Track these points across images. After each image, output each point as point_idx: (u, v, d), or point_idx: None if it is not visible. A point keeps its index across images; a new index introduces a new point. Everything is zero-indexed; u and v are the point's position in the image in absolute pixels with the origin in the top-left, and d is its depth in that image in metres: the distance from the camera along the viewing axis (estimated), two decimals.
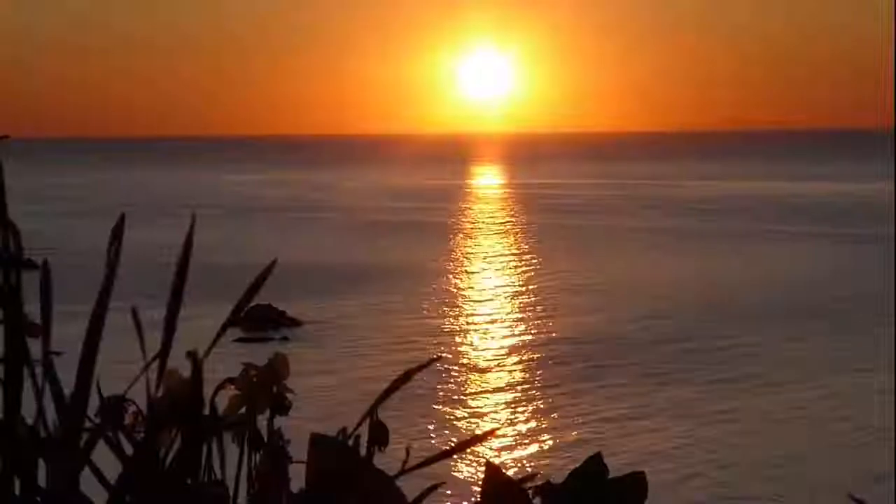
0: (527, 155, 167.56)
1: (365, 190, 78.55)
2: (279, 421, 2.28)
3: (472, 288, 31.43)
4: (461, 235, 46.53)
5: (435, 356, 2.15)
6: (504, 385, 19.95)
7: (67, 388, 2.01)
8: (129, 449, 2.08)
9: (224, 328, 2.07)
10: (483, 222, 53.61)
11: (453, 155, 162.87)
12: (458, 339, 23.70)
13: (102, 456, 2.03)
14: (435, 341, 23.13)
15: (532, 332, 24.80)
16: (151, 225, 44.11)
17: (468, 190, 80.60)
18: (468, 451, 12.25)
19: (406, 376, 2.17)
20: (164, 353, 2.00)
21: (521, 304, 28.50)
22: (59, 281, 2.12)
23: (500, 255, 39.71)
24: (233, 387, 2.26)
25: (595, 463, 2.50)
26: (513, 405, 18.58)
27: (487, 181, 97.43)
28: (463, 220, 54.49)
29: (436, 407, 17.86)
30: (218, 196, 71.00)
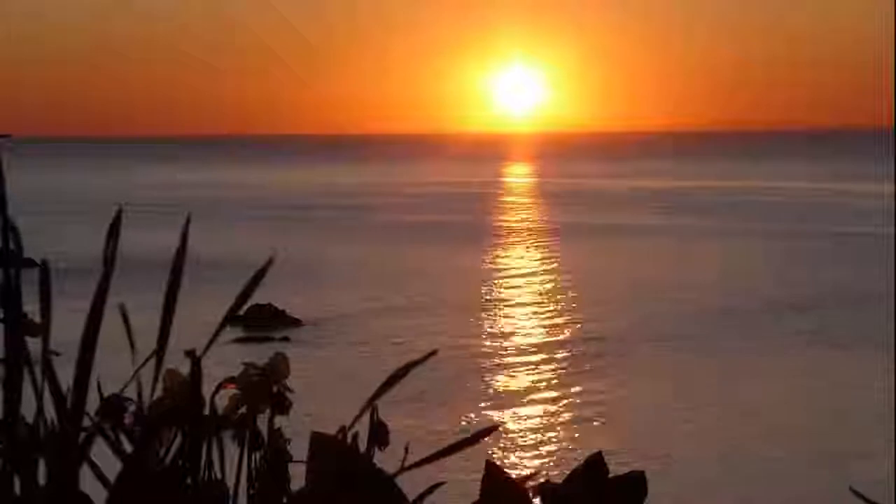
0: (550, 153, 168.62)
1: (379, 187, 78.58)
2: (279, 421, 2.28)
3: (474, 287, 31.40)
4: (464, 235, 46.43)
5: (433, 350, 2.14)
6: (503, 383, 19.95)
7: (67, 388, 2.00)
8: (128, 448, 2.07)
9: (222, 325, 2.06)
10: (491, 221, 53.56)
11: (476, 154, 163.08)
12: (458, 339, 23.67)
13: (102, 455, 2.03)
14: (437, 341, 23.09)
15: (533, 331, 24.80)
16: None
17: (474, 189, 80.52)
18: (468, 449, 12.24)
19: (404, 370, 2.17)
20: (160, 352, 1.99)
21: (523, 303, 28.49)
22: None
23: (505, 255, 39.68)
24: (233, 386, 2.26)
25: (595, 462, 2.50)
26: (514, 403, 18.58)
27: (502, 179, 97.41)
28: (469, 219, 54.40)
29: (435, 406, 17.85)
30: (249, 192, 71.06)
